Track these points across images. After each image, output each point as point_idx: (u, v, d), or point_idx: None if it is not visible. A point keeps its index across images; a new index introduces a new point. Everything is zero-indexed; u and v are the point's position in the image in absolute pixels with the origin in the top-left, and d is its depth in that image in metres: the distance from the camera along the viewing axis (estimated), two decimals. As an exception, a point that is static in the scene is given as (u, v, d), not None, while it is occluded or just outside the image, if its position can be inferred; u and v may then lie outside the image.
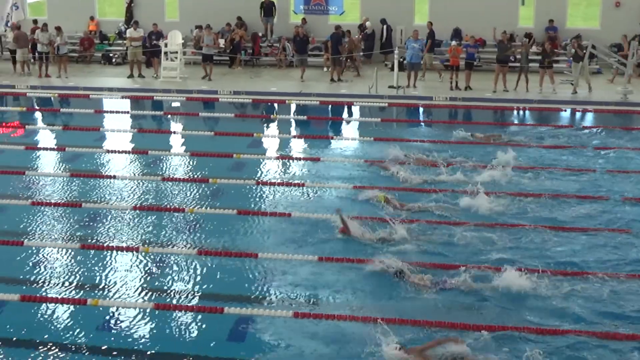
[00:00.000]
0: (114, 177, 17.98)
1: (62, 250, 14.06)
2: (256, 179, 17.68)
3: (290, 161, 19.00)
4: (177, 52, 28.88)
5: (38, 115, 25.61)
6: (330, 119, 24.18)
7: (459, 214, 15.31)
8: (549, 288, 12.31)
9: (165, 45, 28.98)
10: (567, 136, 21.33)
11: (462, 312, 11.77)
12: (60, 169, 19.01)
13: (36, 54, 29.36)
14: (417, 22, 30.93)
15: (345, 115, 24.62)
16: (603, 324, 11.43)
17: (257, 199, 16.54)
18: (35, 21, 31.05)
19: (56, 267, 13.49)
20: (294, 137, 21.18)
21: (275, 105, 25.49)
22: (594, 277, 12.73)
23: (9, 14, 31.17)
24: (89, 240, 14.41)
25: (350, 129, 23.01)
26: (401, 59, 27.10)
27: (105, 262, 13.53)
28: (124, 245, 14.15)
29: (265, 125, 23.81)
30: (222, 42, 30.50)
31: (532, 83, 26.26)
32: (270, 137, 21.84)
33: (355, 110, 25.00)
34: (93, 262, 13.52)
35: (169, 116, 24.83)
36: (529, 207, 15.64)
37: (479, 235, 14.20)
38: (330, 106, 25.26)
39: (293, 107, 25.28)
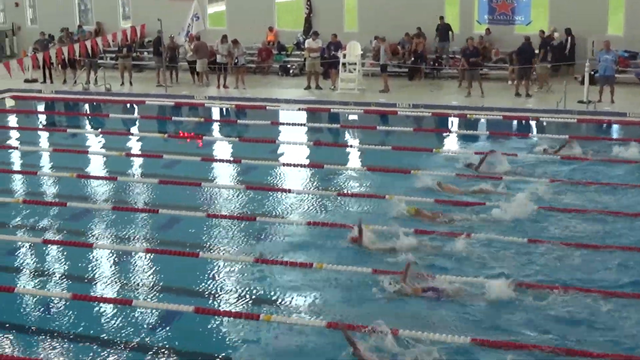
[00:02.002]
0: (289, 190, 17.63)
1: (235, 264, 13.84)
2: (434, 196, 16.74)
3: (471, 179, 17.94)
4: (355, 64, 28.49)
5: (215, 126, 25.80)
6: (513, 134, 22.91)
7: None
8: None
9: (344, 56, 28.65)
10: None
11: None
12: (235, 181, 18.86)
13: (215, 64, 29.73)
14: (610, 33, 29.16)
15: (530, 131, 23.32)
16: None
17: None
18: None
19: (229, 280, 13.30)
20: (475, 153, 20.12)
21: (456, 119, 24.51)
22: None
23: (190, 24, 31.66)
24: (262, 255, 14.04)
25: (535, 146, 21.62)
26: (592, 72, 25.50)
27: (278, 277, 13.18)
28: (298, 260, 13.66)
29: (444, 140, 22.99)
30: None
31: None
32: (450, 153, 20.90)
33: (542, 126, 23.61)
34: (265, 276, 13.20)
35: (346, 129, 24.36)
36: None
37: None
38: (514, 121, 24.10)
39: (474, 122, 24.26)
